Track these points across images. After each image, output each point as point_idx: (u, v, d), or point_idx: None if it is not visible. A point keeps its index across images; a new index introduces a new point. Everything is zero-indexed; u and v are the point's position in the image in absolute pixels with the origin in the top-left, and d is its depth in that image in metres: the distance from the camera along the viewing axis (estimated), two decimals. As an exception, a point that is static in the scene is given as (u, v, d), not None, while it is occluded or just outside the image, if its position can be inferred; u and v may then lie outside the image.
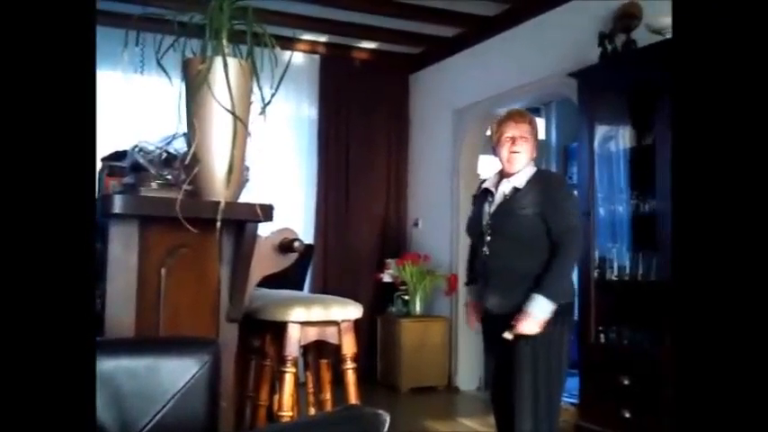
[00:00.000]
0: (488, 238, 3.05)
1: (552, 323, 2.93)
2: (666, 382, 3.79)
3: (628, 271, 4.25)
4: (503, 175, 3.14)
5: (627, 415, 3.99)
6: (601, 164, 4.43)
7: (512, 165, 3.08)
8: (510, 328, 2.89)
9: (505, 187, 3.08)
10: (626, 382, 4.02)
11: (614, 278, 4.31)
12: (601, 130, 4.44)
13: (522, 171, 3.08)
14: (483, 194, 3.19)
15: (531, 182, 3.04)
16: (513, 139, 3.07)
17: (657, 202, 3.98)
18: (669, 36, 3.96)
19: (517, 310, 2.91)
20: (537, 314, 2.86)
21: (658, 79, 3.92)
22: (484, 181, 3.26)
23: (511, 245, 3.01)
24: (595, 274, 4.33)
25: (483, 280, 3.11)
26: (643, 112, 4.26)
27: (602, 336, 4.28)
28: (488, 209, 3.11)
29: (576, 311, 3.65)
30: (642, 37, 4.23)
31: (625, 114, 4.40)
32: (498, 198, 3.09)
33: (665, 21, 4.00)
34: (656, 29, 4.05)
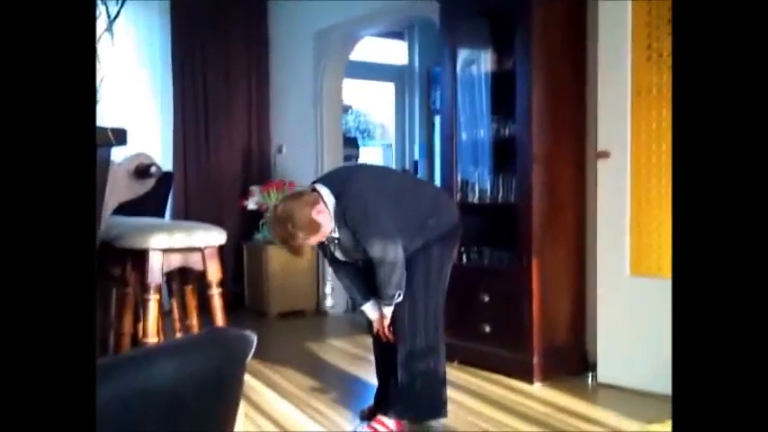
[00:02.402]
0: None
1: (434, 246, 3.19)
2: (522, 298, 3.99)
3: (489, 194, 4.38)
4: None
5: (487, 330, 4.18)
6: (463, 88, 4.48)
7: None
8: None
9: (332, 240, 3.11)
10: (486, 299, 4.19)
11: (476, 201, 4.43)
12: (463, 54, 4.48)
13: (327, 225, 3.01)
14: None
15: (337, 224, 3.02)
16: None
17: (517, 126, 4.09)
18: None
19: None
20: (378, 317, 3.25)
21: (517, 3, 3.99)
22: None
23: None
24: (458, 198, 4.43)
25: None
26: (503, 37, 4.32)
27: (464, 256, 4.42)
28: (335, 251, 3.19)
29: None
30: (503, -39, 4.26)
31: (486, 38, 4.45)
32: (335, 244, 3.15)
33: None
34: (516, -47, 4.08)
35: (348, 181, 3.12)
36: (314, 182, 3.20)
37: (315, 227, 2.95)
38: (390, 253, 3.03)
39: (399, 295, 3.14)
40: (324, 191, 3.03)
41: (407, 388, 3.21)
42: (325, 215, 2.97)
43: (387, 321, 3.24)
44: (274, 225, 2.99)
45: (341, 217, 3.00)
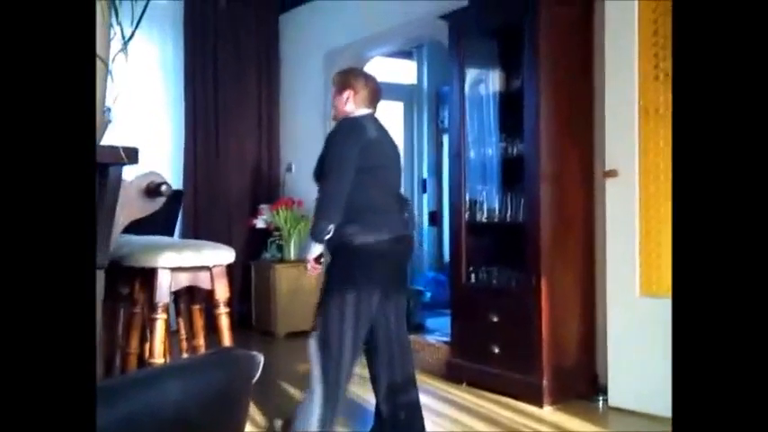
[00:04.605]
0: None
1: (332, 267, 3.01)
2: (531, 319, 3.96)
3: (497, 213, 4.38)
4: None
5: (495, 350, 4.15)
6: (471, 107, 4.49)
7: None
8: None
9: None
10: (495, 320, 4.17)
11: (484, 220, 4.43)
12: (471, 74, 4.50)
13: (348, 106, 3.29)
14: None
15: None
16: None
17: (525, 145, 4.09)
18: (537, -19, 4.03)
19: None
20: (307, 255, 3.02)
21: (525, 23, 4.00)
22: None
23: None
24: (466, 216, 4.43)
25: None
26: (511, 56, 4.34)
27: (472, 276, 4.40)
28: None
29: (447, 254, 3.68)
30: (511, -19, 4.27)
31: (495, 58, 4.48)
32: None
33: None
34: (524, -27, 4.10)
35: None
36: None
37: (346, 85, 3.27)
38: (327, 182, 3.03)
39: (327, 232, 2.90)
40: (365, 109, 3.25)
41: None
42: (353, 102, 3.22)
43: (309, 257, 2.98)
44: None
45: None
